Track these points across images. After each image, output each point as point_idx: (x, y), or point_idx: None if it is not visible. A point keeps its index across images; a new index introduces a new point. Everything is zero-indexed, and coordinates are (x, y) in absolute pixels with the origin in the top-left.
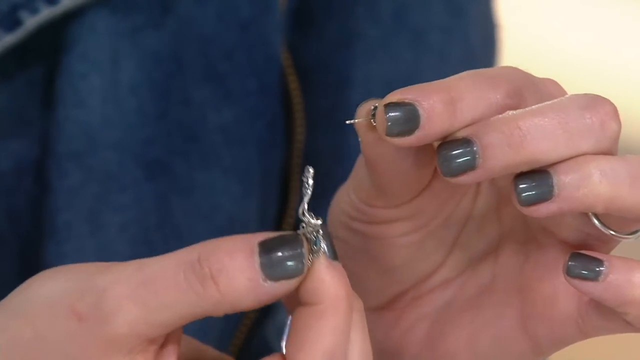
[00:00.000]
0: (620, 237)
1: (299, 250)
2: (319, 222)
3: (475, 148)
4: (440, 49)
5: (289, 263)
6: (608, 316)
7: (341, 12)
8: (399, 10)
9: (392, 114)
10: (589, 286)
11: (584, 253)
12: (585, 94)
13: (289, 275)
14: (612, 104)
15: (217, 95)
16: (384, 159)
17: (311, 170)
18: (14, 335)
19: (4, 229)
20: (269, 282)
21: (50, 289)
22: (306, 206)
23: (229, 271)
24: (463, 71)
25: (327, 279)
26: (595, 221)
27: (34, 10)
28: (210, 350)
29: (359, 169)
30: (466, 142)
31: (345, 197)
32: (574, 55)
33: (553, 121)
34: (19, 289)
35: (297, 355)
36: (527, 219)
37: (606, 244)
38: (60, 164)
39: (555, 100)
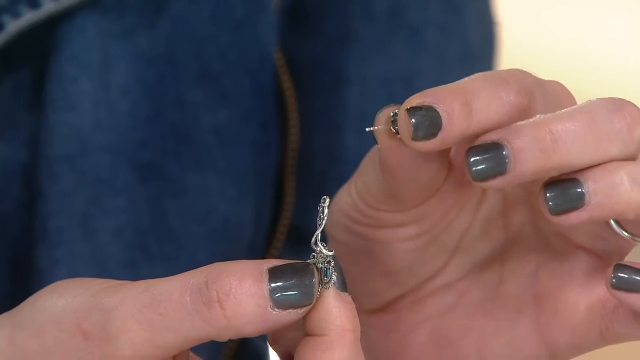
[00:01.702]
0: (639, 240)
1: (310, 281)
2: (332, 253)
3: (505, 153)
4: (437, 48)
5: (299, 293)
6: (638, 325)
7: (336, 11)
8: (395, 8)
9: (416, 118)
10: (634, 299)
11: (628, 264)
12: (611, 98)
13: (297, 305)
14: (637, 108)
15: (210, 96)
16: (403, 166)
17: (327, 200)
18: (21, 348)
19: None
20: (277, 310)
21: (59, 303)
22: (320, 236)
23: (237, 296)
24: (461, 70)
25: (335, 310)
26: (615, 226)
27: (16, 15)
28: None
29: (365, 173)
30: (497, 146)
31: (347, 199)
32: (574, 54)
33: (583, 126)
34: (29, 301)
35: None
36: (538, 225)
37: (622, 248)
38: (51, 168)
39: (583, 104)
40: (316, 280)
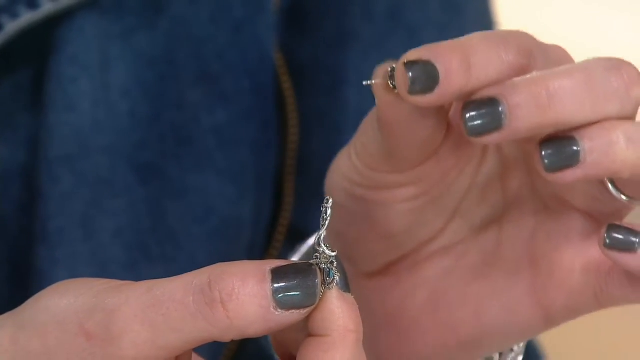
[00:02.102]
0: (635, 203)
1: (312, 281)
2: (334, 253)
3: (501, 108)
4: None
5: (302, 293)
6: (631, 287)
7: (335, 11)
8: (394, 8)
9: (413, 72)
10: (627, 258)
11: (621, 224)
12: (609, 57)
13: (300, 305)
14: (636, 69)
15: (209, 97)
16: (400, 121)
17: (330, 200)
18: (23, 348)
19: None
20: (279, 310)
21: (61, 303)
22: (322, 236)
23: (240, 296)
24: None
25: (337, 311)
26: (612, 188)
27: (14, 15)
28: None
29: (364, 134)
30: (493, 101)
31: (346, 162)
32: (574, 54)
33: (580, 83)
34: (30, 301)
35: None
36: (536, 187)
37: (619, 211)
38: (51, 169)
39: (581, 62)
40: (319, 280)
